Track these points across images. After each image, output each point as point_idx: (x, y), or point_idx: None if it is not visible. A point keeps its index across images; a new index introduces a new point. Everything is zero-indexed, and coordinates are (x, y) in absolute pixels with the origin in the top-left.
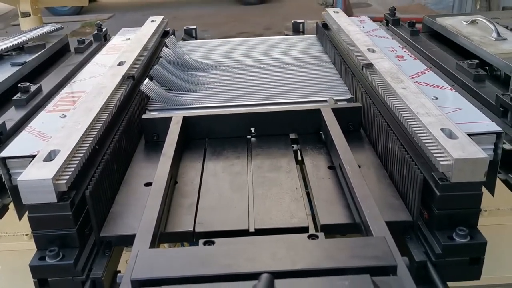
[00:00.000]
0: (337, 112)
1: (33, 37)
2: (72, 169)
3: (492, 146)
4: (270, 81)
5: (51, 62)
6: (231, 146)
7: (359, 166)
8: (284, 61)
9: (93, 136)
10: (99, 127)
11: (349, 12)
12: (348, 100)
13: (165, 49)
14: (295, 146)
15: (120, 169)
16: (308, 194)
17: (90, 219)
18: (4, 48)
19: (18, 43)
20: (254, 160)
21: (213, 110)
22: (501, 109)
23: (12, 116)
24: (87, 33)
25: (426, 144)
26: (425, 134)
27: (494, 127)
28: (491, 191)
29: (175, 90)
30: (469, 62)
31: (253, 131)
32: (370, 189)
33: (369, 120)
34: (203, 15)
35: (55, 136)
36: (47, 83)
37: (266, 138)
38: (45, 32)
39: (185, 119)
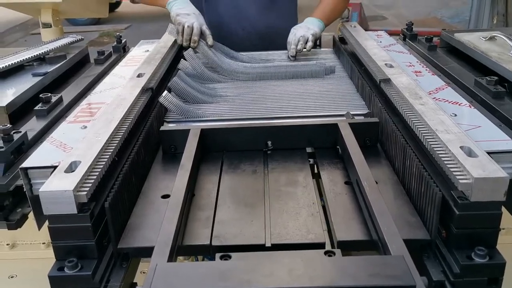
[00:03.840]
0: (354, 127)
1: (54, 48)
2: (92, 181)
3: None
4: (287, 94)
5: (71, 73)
6: (248, 159)
7: (376, 182)
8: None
9: (113, 147)
10: (118, 138)
11: (364, 25)
12: (365, 115)
13: (183, 61)
14: (311, 160)
15: (138, 180)
16: (324, 209)
17: (108, 230)
18: (26, 58)
19: (39, 53)
20: (270, 173)
21: (230, 123)
22: None
23: (33, 126)
24: (104, 42)
25: (445, 162)
26: (444, 152)
27: None
28: (511, 210)
29: (192, 102)
30: (488, 79)
31: (269, 144)
32: (387, 206)
33: (386, 135)
34: None
35: (76, 147)
36: (67, 93)
37: (283, 152)
38: (66, 43)
39: (203, 132)
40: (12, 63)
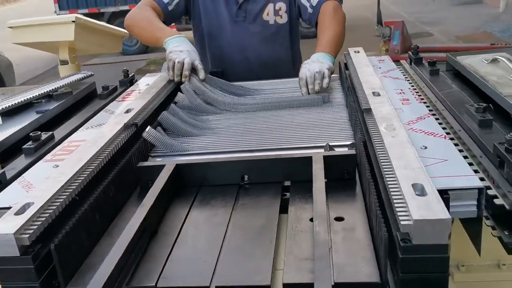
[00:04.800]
0: (329, 159)
1: (64, 84)
2: (39, 223)
3: (475, 202)
4: (279, 125)
5: (76, 109)
6: (221, 194)
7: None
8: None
9: (74, 187)
10: (83, 178)
11: (407, 43)
12: (350, 146)
13: (179, 94)
14: (288, 194)
15: (105, 219)
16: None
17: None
18: (33, 96)
19: (47, 91)
20: (238, 209)
21: (206, 157)
22: (498, 159)
23: (17, 164)
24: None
25: (394, 200)
26: (395, 189)
27: (475, 182)
28: (478, 249)
29: (182, 135)
30: (476, 106)
31: (246, 178)
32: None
33: (360, 169)
34: None
35: (37, 187)
36: (61, 131)
37: (258, 186)
38: (75, 80)
39: (178, 167)
40: (17, 102)
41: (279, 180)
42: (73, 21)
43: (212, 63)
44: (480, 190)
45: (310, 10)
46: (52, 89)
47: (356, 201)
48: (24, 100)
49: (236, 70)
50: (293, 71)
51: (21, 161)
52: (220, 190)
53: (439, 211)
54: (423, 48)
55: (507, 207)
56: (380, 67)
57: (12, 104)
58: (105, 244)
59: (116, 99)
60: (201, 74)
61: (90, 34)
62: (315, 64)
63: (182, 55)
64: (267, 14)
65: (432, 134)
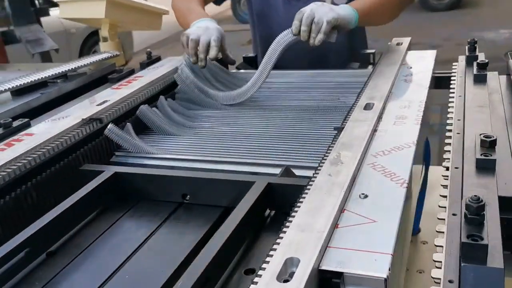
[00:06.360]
0: (275, 188)
1: (83, 64)
2: None
3: None
4: (272, 129)
5: (78, 93)
6: (155, 211)
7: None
8: (305, 104)
9: None
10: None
11: None
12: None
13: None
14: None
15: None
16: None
17: None
18: (48, 76)
19: (62, 71)
20: (162, 229)
21: (147, 169)
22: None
23: None
24: None
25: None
26: (268, 263)
27: (380, 269)
28: None
29: (160, 133)
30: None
31: (188, 198)
32: None
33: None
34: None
35: None
36: (41, 119)
37: (200, 207)
38: (98, 60)
39: (117, 176)
40: (30, 81)
41: (220, 204)
42: None
43: (261, 45)
44: (382, 282)
45: None
46: (70, 68)
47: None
48: (37, 79)
49: (284, 55)
50: (350, 58)
51: None
52: (158, 206)
53: None
54: None
55: None
56: (411, 67)
57: (24, 83)
58: None
59: (112, 86)
60: (213, 52)
61: (124, 12)
62: (321, 8)
63: (199, 32)
64: None
65: (391, 176)
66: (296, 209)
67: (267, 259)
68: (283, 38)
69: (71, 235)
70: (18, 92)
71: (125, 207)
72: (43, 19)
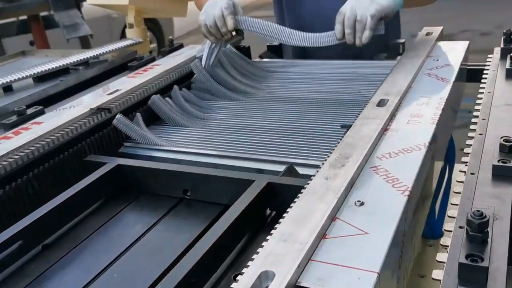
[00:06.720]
0: (275, 187)
1: (106, 51)
2: None
3: None
4: (283, 123)
5: (96, 81)
6: (155, 205)
7: None
8: (323, 96)
9: None
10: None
11: None
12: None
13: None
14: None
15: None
16: None
17: None
18: (70, 62)
19: (83, 58)
20: (159, 225)
21: (150, 163)
22: None
23: None
24: None
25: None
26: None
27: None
28: None
29: (170, 123)
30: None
31: (188, 193)
32: None
33: None
34: (428, 8)
35: None
36: (56, 107)
37: (200, 204)
38: (121, 47)
39: (120, 168)
40: (51, 68)
41: (220, 201)
42: None
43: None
44: None
45: None
46: (91, 56)
47: None
48: (58, 66)
49: None
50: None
51: None
52: (158, 200)
53: None
54: None
55: None
56: (438, 59)
57: (44, 70)
58: None
59: (128, 75)
60: (229, 22)
61: None
62: (362, 3)
63: (208, 10)
64: None
65: (394, 181)
66: (284, 214)
67: (243, 270)
68: (325, 39)
69: (69, 227)
70: (40, 78)
71: (126, 201)
72: (85, 5)
